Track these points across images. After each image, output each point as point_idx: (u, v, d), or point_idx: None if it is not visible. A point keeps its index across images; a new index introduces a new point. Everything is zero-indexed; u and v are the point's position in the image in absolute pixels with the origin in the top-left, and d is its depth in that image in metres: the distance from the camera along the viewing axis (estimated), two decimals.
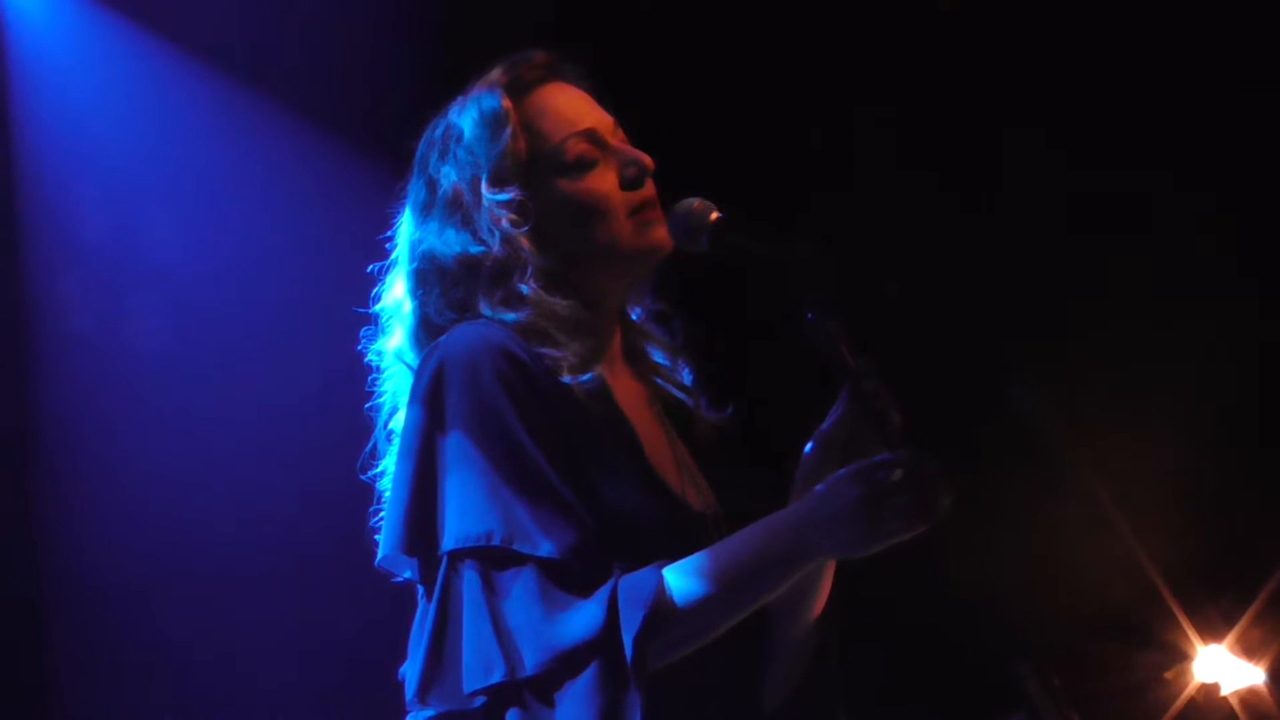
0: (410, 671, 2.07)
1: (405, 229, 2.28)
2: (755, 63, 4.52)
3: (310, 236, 4.17)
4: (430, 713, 2.09)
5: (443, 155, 2.25)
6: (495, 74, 2.27)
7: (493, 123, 2.23)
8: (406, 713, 2.12)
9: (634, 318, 2.40)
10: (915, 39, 4.54)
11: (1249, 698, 4.68)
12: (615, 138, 2.28)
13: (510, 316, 2.16)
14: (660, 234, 2.24)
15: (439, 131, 2.27)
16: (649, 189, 2.26)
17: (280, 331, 4.17)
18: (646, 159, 2.26)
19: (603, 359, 2.26)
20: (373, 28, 4.38)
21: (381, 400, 2.29)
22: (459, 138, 2.24)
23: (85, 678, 4.19)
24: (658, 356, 2.39)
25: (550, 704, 1.97)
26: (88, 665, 4.19)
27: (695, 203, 2.24)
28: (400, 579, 2.19)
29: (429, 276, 2.22)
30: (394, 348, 2.26)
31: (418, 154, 2.29)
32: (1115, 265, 4.51)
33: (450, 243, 2.20)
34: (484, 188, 2.20)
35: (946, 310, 4.33)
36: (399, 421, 2.22)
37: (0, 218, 4.27)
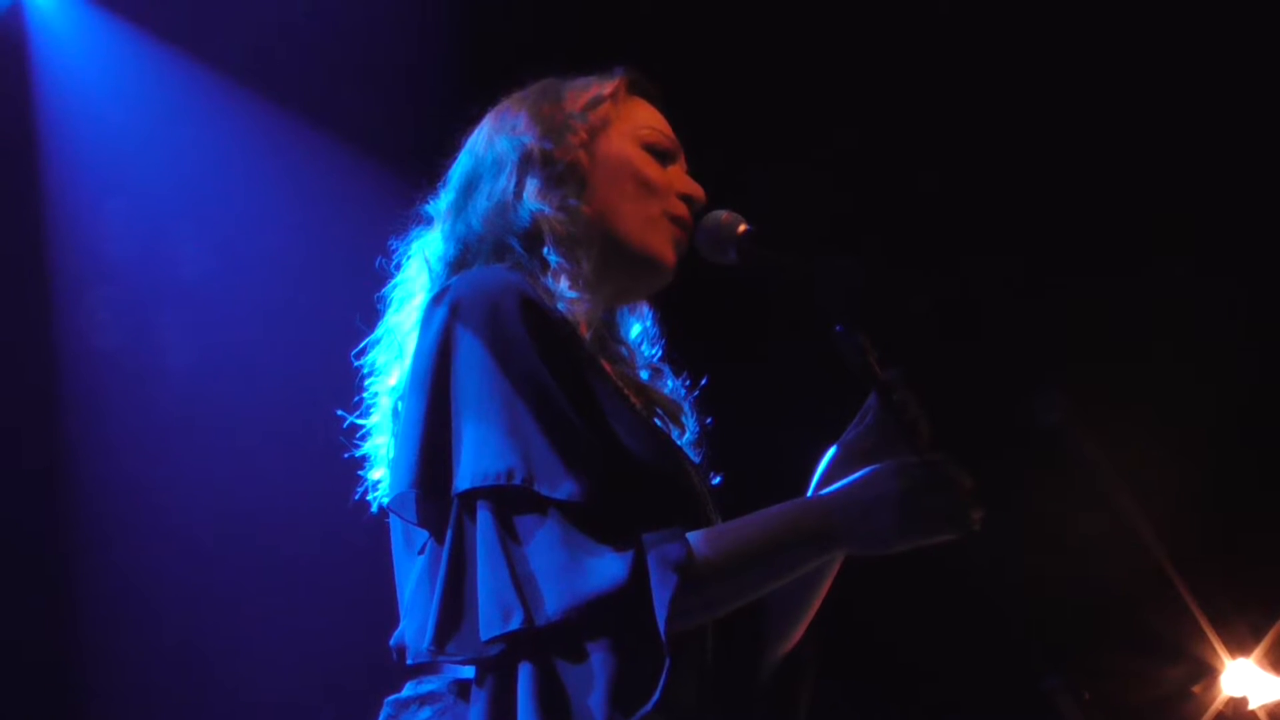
0: (416, 624, 1.99)
1: (476, 141, 2.33)
2: (782, 68, 4.54)
3: (338, 253, 4.16)
4: (432, 683, 2.05)
5: (543, 93, 2.34)
6: (622, 68, 2.38)
7: (601, 80, 2.34)
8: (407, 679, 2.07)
9: (627, 333, 2.41)
10: (937, 57, 4.55)
11: (1277, 711, 4.67)
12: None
13: (548, 209, 2.20)
14: (671, 254, 2.28)
15: (551, 86, 2.36)
16: (689, 215, 2.30)
17: (308, 347, 4.17)
18: (702, 192, 2.32)
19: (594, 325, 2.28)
20: (401, 46, 4.39)
21: (390, 294, 2.29)
22: (563, 86, 2.34)
23: (115, 684, 4.20)
24: (640, 368, 2.39)
25: (569, 657, 1.90)
26: (118, 671, 4.20)
27: (723, 215, 2.28)
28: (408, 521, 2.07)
29: (486, 172, 2.27)
30: (424, 245, 2.28)
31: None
32: (1144, 275, 4.52)
33: (523, 137, 2.27)
34: (570, 109, 2.30)
35: (973, 320, 4.33)
36: (408, 338, 2.19)
37: (28, 235, 4.29)
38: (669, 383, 2.39)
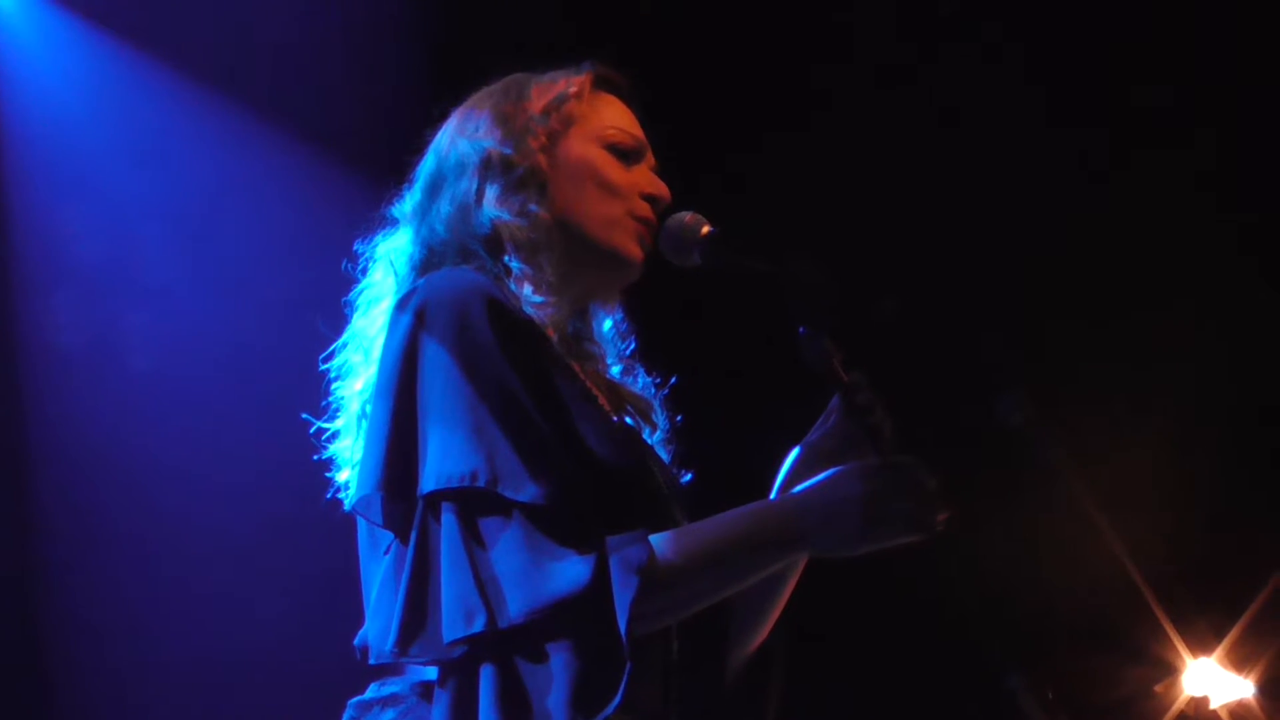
0: (380, 625, 2.00)
1: (440, 142, 2.32)
2: (757, 66, 4.54)
3: (303, 254, 4.16)
4: (395, 685, 2.06)
5: (507, 92, 2.32)
6: (590, 63, 2.35)
7: (569, 76, 2.32)
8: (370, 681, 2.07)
9: (598, 329, 2.40)
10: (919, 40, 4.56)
11: (1239, 711, 4.69)
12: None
13: (506, 216, 2.20)
14: (638, 251, 2.27)
15: (516, 83, 2.34)
16: (654, 215, 2.29)
17: (273, 349, 4.16)
18: (667, 191, 2.30)
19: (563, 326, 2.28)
20: (367, 46, 4.39)
21: (357, 299, 2.28)
22: (529, 83, 2.32)
23: (78, 685, 4.18)
24: (611, 364, 2.39)
25: (532, 659, 1.92)
26: (82, 674, 4.18)
27: (687, 216, 2.28)
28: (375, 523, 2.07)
29: (449, 174, 2.26)
30: (389, 248, 2.28)
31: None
32: (1107, 276, 4.54)
33: (483, 141, 2.25)
34: (532, 110, 2.27)
35: (937, 322, 4.34)
36: (375, 342, 2.18)
37: None
38: (639, 380, 2.39)
